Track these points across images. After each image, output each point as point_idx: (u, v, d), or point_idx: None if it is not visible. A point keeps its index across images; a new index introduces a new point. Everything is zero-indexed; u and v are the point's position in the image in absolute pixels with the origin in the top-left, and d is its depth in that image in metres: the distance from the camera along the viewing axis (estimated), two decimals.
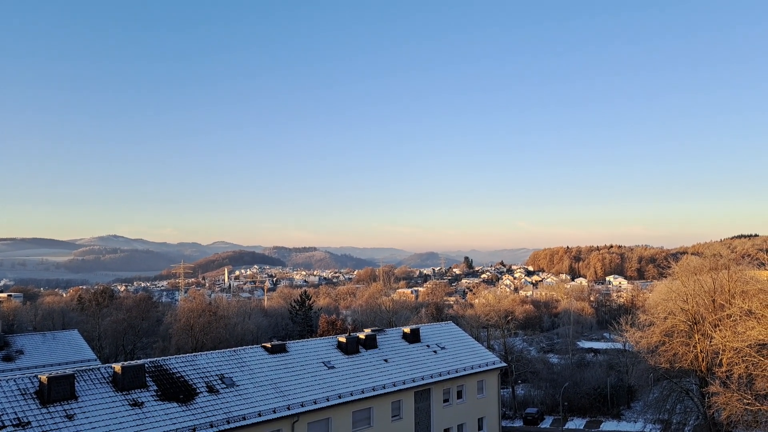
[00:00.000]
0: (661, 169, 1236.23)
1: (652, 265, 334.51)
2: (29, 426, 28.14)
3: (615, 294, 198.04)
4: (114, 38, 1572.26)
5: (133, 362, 35.46)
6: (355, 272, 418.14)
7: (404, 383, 44.20)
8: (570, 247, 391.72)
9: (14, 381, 31.02)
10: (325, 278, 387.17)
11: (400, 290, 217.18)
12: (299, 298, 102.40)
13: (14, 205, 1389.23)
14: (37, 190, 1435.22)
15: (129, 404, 31.79)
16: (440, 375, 47.40)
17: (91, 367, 34.64)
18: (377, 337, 48.94)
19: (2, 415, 28.29)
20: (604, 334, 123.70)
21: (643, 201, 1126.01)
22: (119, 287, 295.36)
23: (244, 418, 33.92)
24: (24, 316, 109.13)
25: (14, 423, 28.02)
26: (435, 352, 50.59)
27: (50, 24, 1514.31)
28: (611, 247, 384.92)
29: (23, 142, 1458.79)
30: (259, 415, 34.68)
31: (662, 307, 53.71)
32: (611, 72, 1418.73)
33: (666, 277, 73.49)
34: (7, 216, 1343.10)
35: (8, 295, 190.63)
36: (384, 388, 42.65)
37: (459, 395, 49.60)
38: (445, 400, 48.22)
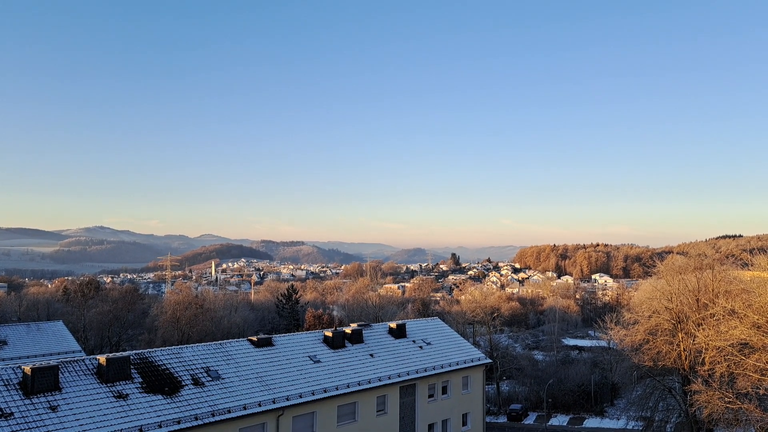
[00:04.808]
0: (648, 170, 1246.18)
1: (637, 264, 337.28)
2: (12, 417, 27.93)
3: (600, 292, 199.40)
4: (102, 28, 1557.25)
5: (118, 354, 35.29)
6: (343, 267, 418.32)
7: (390, 378, 44.36)
8: (557, 245, 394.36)
9: None
10: (312, 272, 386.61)
11: (386, 286, 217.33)
12: (286, 292, 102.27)
13: (1, 193, 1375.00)
14: (23, 180, 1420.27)
15: (113, 396, 31.65)
16: (425, 370, 47.62)
17: (75, 358, 34.40)
18: (363, 331, 49.05)
19: None
20: (589, 332, 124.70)
21: (630, 200, 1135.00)
22: (105, 279, 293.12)
23: (230, 411, 33.90)
24: (8, 307, 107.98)
25: None
26: (421, 347, 50.78)
27: (34, 11, 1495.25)
28: (597, 245, 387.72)
29: (9, 130, 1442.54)
30: (245, 408, 34.68)
31: (647, 306, 54.09)
32: (599, 73, 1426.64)
33: (651, 276, 74.11)
34: None
35: None
36: (369, 382, 42.78)
37: (444, 391, 49.86)
38: (430, 396, 48.45)
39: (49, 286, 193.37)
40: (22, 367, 31.25)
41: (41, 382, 30.28)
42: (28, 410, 28.73)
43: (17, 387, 30.01)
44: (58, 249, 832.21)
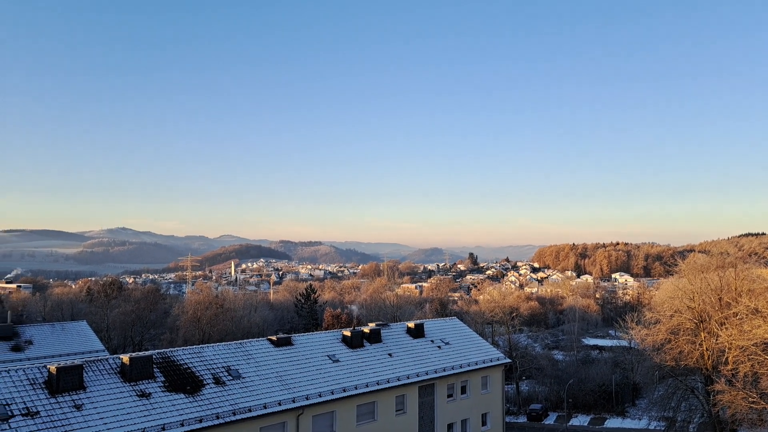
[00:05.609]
0: (669, 167, 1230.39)
1: (658, 262, 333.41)
2: (38, 415, 28.48)
3: (621, 291, 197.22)
4: (119, 24, 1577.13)
5: (140, 353, 35.80)
6: (360, 267, 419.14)
7: (408, 378, 44.41)
8: (576, 244, 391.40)
9: (23, 371, 31.37)
10: (330, 272, 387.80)
11: (404, 285, 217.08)
12: (305, 292, 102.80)
13: (24, 196, 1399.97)
14: (47, 182, 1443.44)
15: (136, 395, 32.12)
16: (444, 370, 47.59)
17: (99, 357, 34.96)
18: (381, 331, 49.15)
19: (11, 404, 28.64)
20: (610, 332, 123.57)
21: (651, 198, 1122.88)
22: (128, 279, 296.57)
23: (250, 410, 34.21)
24: (33, 307, 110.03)
25: (23, 412, 28.37)
26: (439, 347, 50.77)
27: (54, 11, 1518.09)
28: (617, 244, 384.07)
29: (33, 133, 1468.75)
30: (265, 408, 34.97)
31: (668, 305, 53.65)
32: (619, 73, 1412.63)
33: (673, 274, 73.28)
34: (17, 208, 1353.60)
35: (18, 286, 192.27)
36: (388, 382, 42.87)
37: (463, 390, 49.78)
38: (449, 395, 48.41)
39: (73, 286, 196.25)
40: (48, 366, 31.82)
41: (66, 381, 30.82)
42: (53, 409, 29.26)
43: (43, 386, 30.59)
44: (81, 250, 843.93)
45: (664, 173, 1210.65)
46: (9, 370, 31.25)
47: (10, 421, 27.57)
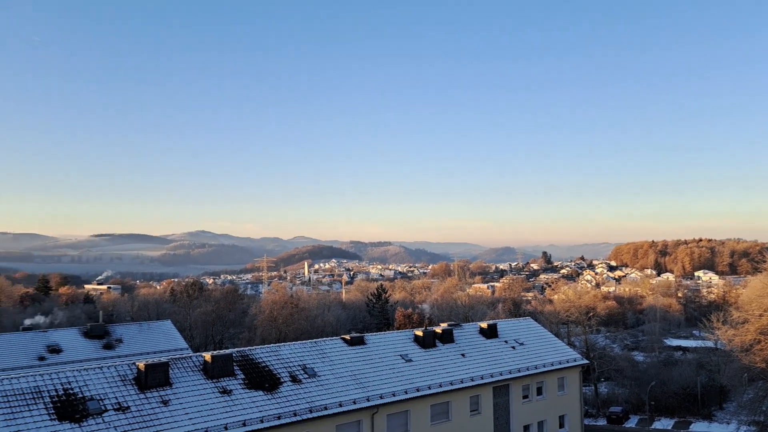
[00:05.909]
0: (754, 158, 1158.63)
1: (745, 259, 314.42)
2: (128, 410, 30.24)
3: (705, 290, 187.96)
4: (182, 27, 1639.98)
5: (221, 352, 37.29)
6: (430, 267, 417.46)
7: (482, 378, 44.14)
8: (655, 241, 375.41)
9: (115, 368, 33.38)
10: (400, 272, 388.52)
11: (475, 285, 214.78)
12: (376, 292, 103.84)
13: (113, 202, 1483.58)
14: (134, 189, 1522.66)
15: (219, 391, 33.51)
16: (519, 371, 46.99)
17: (183, 355, 36.73)
18: (454, 331, 49.05)
19: (104, 399, 30.56)
20: (693, 332, 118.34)
21: (736, 192, 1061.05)
22: (208, 280, 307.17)
23: (326, 408, 34.99)
24: (122, 307, 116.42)
25: (115, 407, 30.22)
26: (513, 347, 50.15)
27: (143, 20, 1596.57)
28: (700, 240, 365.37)
29: (120, 144, 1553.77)
30: (341, 406, 35.65)
31: (757, 304, 50.96)
32: (693, 63, 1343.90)
33: (761, 272, 69.24)
34: (107, 213, 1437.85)
35: (108, 288, 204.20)
36: (462, 382, 42.76)
37: (539, 392, 48.98)
38: (525, 396, 47.75)
39: (158, 287, 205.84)
40: (137, 363, 33.72)
41: (154, 377, 32.57)
42: (142, 404, 30.98)
43: (132, 382, 32.44)
44: (164, 253, 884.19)
45: (748, 164, 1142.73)
46: (102, 367, 33.36)
47: (103, 415, 29.43)
